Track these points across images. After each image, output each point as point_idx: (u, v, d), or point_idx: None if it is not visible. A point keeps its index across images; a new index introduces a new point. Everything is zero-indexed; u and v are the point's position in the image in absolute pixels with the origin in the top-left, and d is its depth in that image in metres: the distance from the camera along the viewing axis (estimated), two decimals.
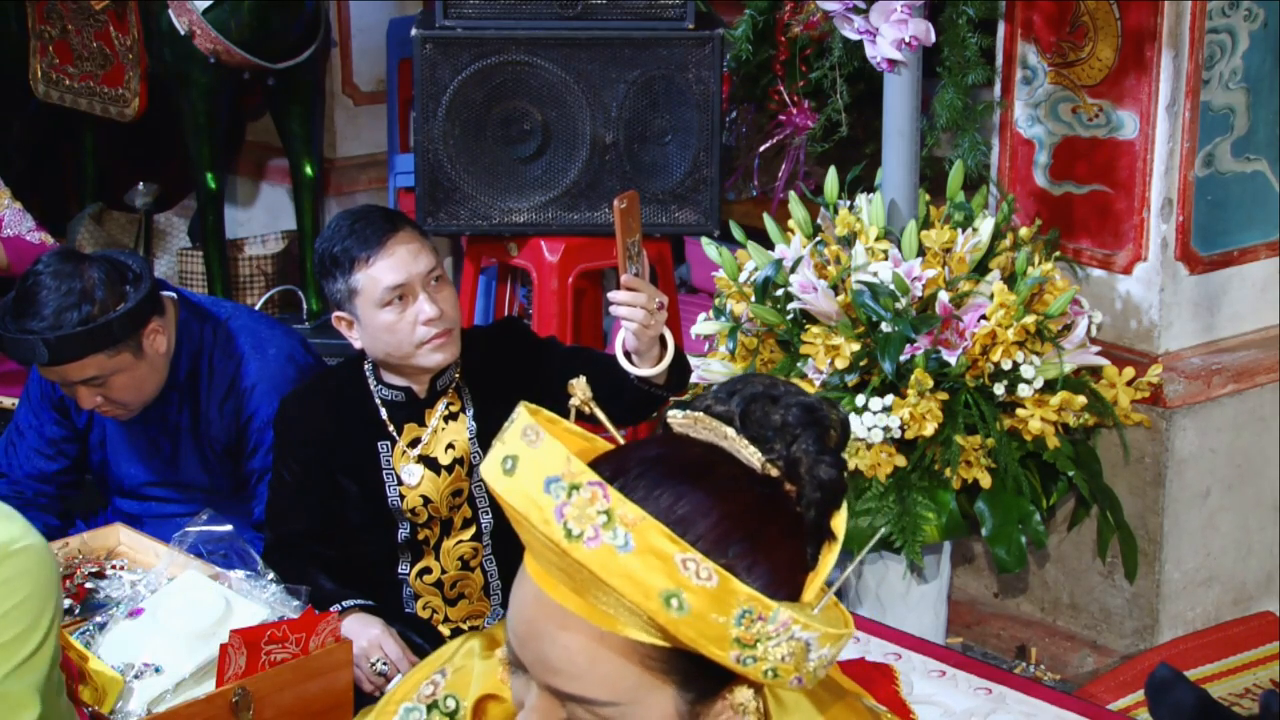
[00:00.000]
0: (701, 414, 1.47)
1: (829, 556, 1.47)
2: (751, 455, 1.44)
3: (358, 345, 3.14)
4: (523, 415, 1.38)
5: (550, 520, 1.33)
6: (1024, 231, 3.73)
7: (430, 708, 1.74)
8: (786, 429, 1.44)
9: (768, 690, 1.55)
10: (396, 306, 3.05)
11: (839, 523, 1.48)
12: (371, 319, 3.07)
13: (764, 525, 1.42)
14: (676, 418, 1.48)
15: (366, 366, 3.19)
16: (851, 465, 3.45)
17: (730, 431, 1.45)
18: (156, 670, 2.78)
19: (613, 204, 2.74)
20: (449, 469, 3.15)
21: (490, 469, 1.37)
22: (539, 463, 1.34)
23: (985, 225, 3.63)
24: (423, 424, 3.16)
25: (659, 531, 1.33)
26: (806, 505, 1.45)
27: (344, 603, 3.11)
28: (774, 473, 1.45)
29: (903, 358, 3.45)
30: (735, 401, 1.46)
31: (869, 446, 3.48)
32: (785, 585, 1.41)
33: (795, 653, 1.37)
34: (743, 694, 1.44)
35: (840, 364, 3.50)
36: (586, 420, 1.53)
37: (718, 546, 1.38)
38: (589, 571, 1.33)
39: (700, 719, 1.45)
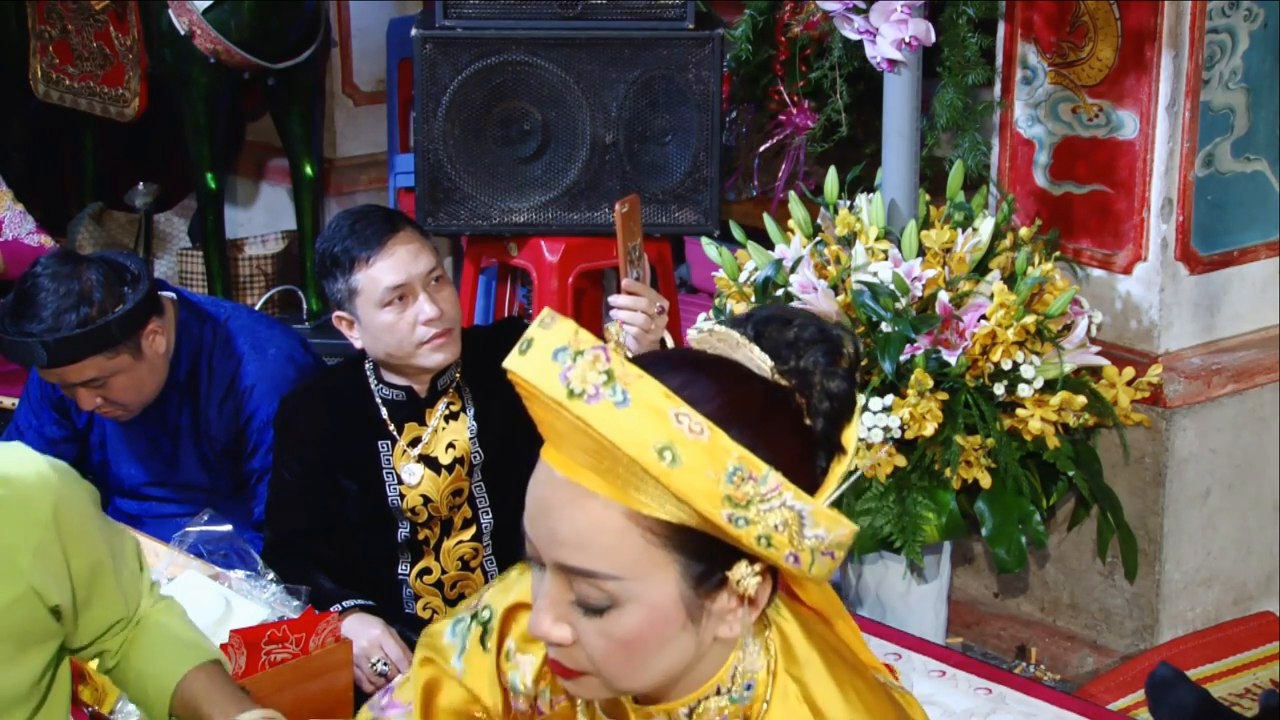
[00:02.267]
0: (717, 327, 1.53)
1: (838, 469, 1.51)
2: (763, 362, 1.50)
3: (358, 345, 3.14)
4: (545, 310, 1.46)
5: (555, 383, 1.41)
6: (1024, 231, 3.73)
7: (472, 618, 1.81)
8: (799, 343, 1.50)
9: (778, 634, 1.59)
10: (397, 306, 3.05)
11: (849, 436, 1.52)
12: (372, 319, 3.07)
13: (769, 418, 1.46)
14: (694, 335, 1.54)
15: (367, 366, 3.19)
16: (852, 465, 3.45)
17: (743, 339, 1.51)
18: None
19: (614, 208, 2.74)
20: (449, 468, 3.16)
21: (510, 357, 1.45)
22: (550, 339, 1.43)
23: (985, 225, 3.63)
24: (423, 423, 3.16)
25: (655, 388, 1.40)
26: (816, 416, 1.49)
27: (344, 603, 3.11)
28: (784, 383, 1.49)
29: (903, 358, 3.45)
30: (750, 321, 1.53)
31: (869, 446, 3.47)
32: (788, 478, 1.44)
33: (789, 523, 1.42)
34: (740, 569, 1.47)
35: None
36: None
37: (719, 426, 1.42)
38: (589, 430, 1.40)
39: (704, 610, 1.49)
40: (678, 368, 1.48)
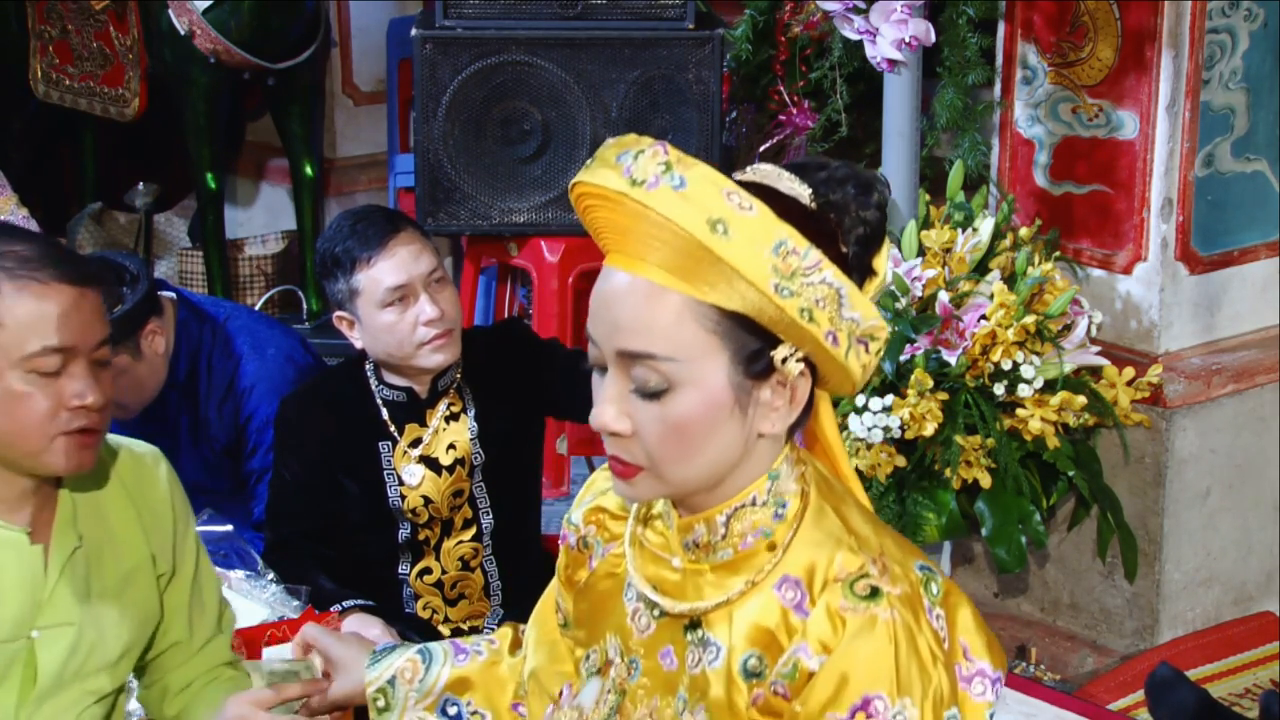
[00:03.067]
0: (759, 165, 1.67)
1: (870, 289, 1.66)
2: (801, 189, 1.64)
3: (359, 345, 3.14)
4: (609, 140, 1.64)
5: (620, 177, 1.57)
6: (1024, 231, 3.73)
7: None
8: (832, 180, 1.64)
9: (813, 470, 1.72)
10: (397, 307, 3.05)
11: (880, 260, 1.67)
12: (372, 319, 3.07)
13: (808, 232, 1.60)
14: (736, 175, 1.67)
15: (368, 367, 3.19)
16: (852, 465, 3.45)
17: (783, 172, 1.65)
18: None
19: None
20: (450, 469, 3.15)
21: (579, 175, 1.62)
22: (612, 149, 1.60)
23: (985, 225, 3.63)
24: (424, 424, 3.16)
25: (709, 172, 1.57)
26: (849, 240, 1.64)
27: (344, 603, 3.11)
28: (820, 211, 1.64)
29: (903, 358, 3.45)
30: (787, 166, 1.67)
31: (869, 447, 3.48)
32: None
33: (827, 299, 1.58)
34: (784, 348, 1.62)
35: None
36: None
37: None
38: (649, 214, 1.56)
39: (750, 399, 1.64)
40: None
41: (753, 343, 1.61)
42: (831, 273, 1.58)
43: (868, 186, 1.64)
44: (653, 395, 1.61)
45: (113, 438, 2.34)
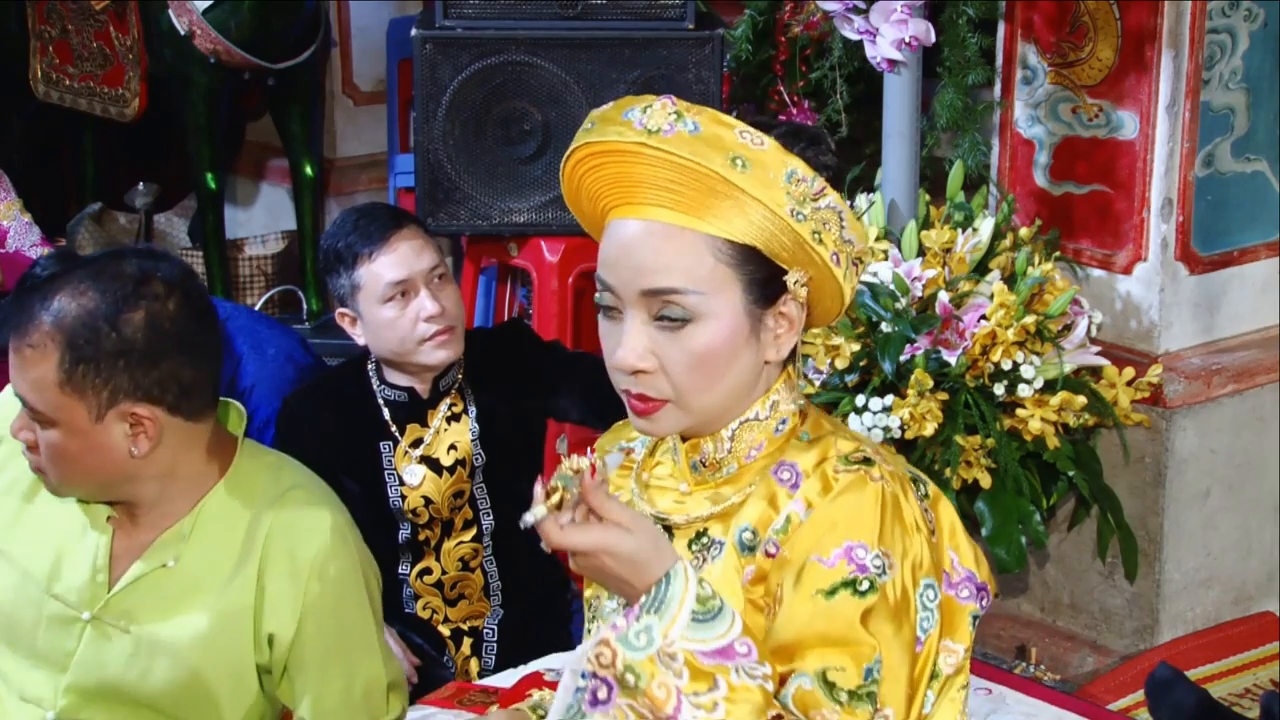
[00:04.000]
0: None
1: None
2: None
3: (361, 342, 3.14)
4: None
5: (633, 131, 1.73)
6: (1024, 231, 3.73)
7: None
8: (787, 135, 1.80)
9: (809, 405, 1.88)
10: (398, 303, 3.05)
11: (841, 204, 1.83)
12: (374, 315, 3.07)
13: None
14: None
15: (370, 366, 3.19)
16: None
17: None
18: None
19: None
20: (450, 470, 3.15)
21: (577, 137, 1.78)
22: (614, 108, 1.77)
23: (985, 225, 3.63)
24: (425, 424, 3.16)
25: (717, 115, 1.74)
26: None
27: None
28: None
29: (903, 358, 3.45)
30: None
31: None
32: None
33: (830, 222, 1.76)
34: (794, 274, 1.78)
35: (840, 364, 3.50)
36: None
37: None
38: (670, 157, 1.71)
39: (761, 325, 1.80)
40: None
41: (760, 271, 1.77)
42: (834, 198, 1.77)
43: (816, 139, 1.82)
44: (677, 328, 1.75)
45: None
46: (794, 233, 1.74)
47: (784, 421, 1.84)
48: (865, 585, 1.71)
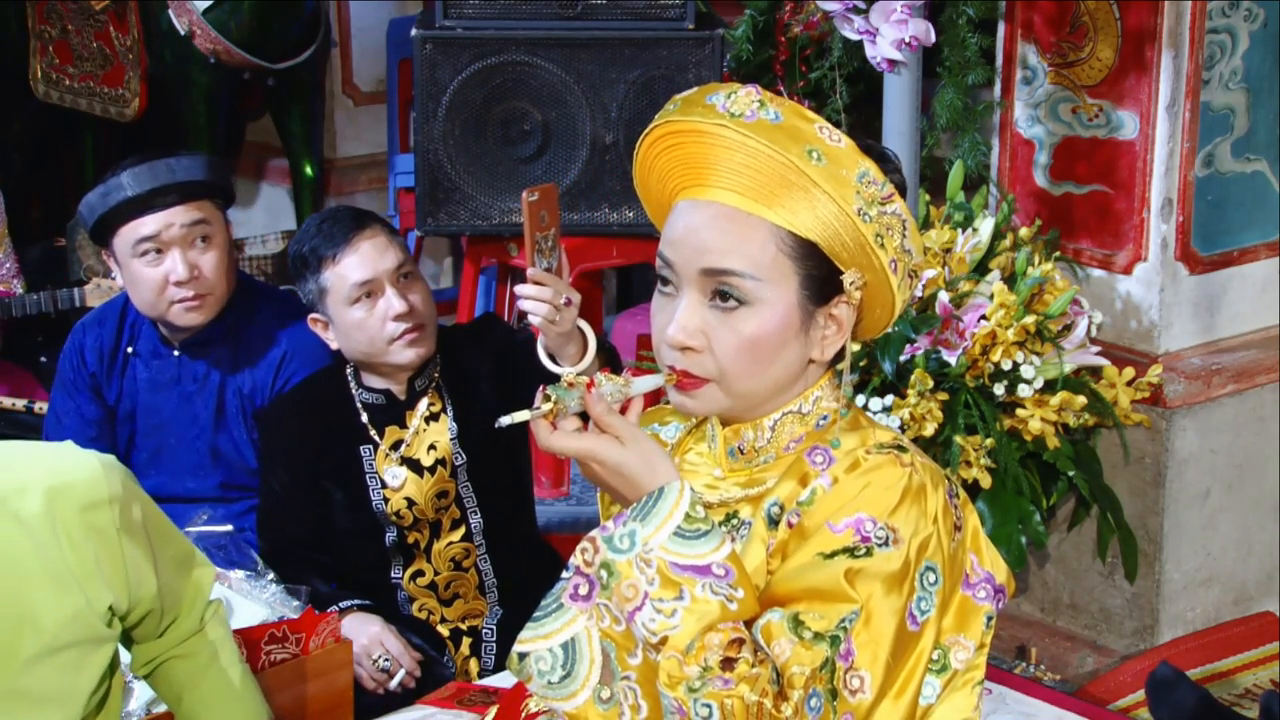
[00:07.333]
0: None
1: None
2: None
3: (334, 346, 3.14)
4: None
5: (718, 112, 1.78)
6: (1024, 231, 3.73)
7: None
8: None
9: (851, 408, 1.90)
10: (366, 303, 3.05)
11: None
12: (342, 317, 3.07)
13: None
14: None
15: (347, 371, 3.18)
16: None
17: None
18: None
19: (521, 196, 2.65)
20: (431, 470, 3.14)
21: (661, 115, 1.83)
22: (698, 92, 1.81)
23: (985, 225, 3.63)
24: (404, 426, 3.15)
25: (799, 108, 1.78)
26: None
27: (342, 603, 3.11)
28: None
29: (903, 358, 3.45)
30: None
31: None
32: None
33: (895, 228, 1.80)
34: (851, 274, 1.81)
35: None
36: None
37: None
38: (751, 140, 1.76)
39: (812, 322, 1.82)
40: None
41: (819, 269, 1.80)
42: (900, 205, 1.79)
43: (884, 156, 1.84)
44: (730, 309, 1.78)
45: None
46: (858, 232, 1.77)
47: (825, 418, 1.87)
48: (862, 551, 1.75)
